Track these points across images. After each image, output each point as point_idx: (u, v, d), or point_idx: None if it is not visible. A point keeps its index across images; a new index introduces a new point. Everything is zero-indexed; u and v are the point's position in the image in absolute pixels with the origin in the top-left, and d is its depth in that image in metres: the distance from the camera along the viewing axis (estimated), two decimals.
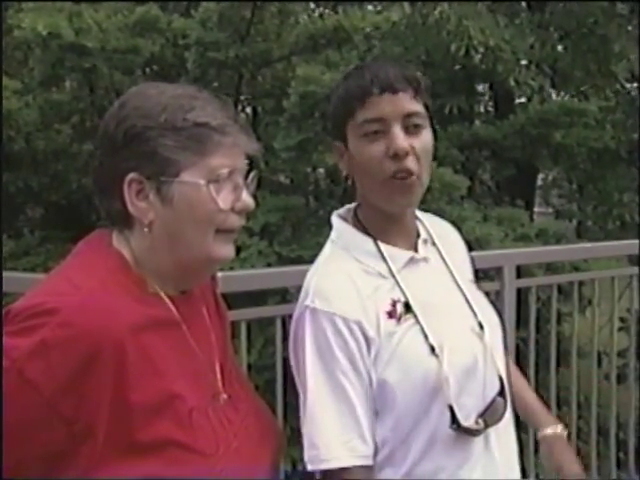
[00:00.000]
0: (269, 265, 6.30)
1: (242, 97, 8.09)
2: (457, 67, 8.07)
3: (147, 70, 7.43)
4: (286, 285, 3.71)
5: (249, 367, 6.29)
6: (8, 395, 0.82)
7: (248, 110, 9.25)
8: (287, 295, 6.05)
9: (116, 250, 0.96)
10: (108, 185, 0.94)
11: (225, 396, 1.01)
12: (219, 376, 1.02)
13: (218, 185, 0.95)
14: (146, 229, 0.94)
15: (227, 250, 0.98)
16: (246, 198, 1.00)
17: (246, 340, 1.87)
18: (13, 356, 0.82)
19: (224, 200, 0.95)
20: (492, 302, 1.40)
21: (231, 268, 6.19)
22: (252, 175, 1.01)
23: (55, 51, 5.38)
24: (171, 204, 0.93)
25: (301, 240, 6.59)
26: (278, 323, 1.96)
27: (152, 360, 0.90)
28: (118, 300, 0.89)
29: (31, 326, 0.83)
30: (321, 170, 7.17)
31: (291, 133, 6.23)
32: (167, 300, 0.96)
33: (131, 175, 0.93)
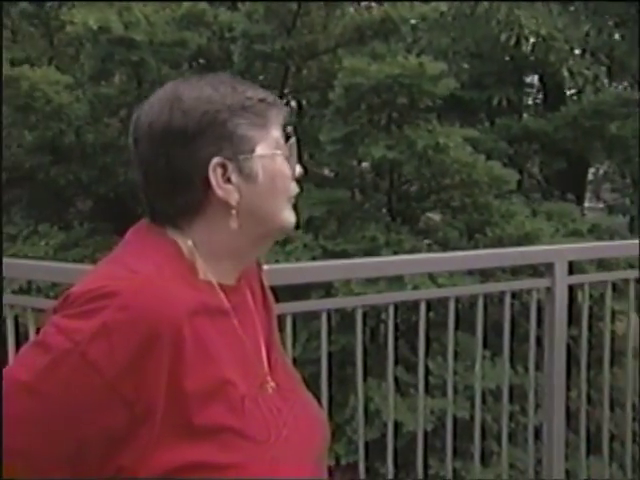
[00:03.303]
0: (314, 259, 6.28)
1: (287, 90, 8.06)
2: (506, 58, 7.89)
3: (193, 64, 7.47)
4: (331, 279, 3.74)
5: (293, 361, 6.25)
6: (71, 377, 0.83)
7: (293, 103, 9.23)
8: (332, 289, 6.05)
9: (169, 238, 0.97)
10: (183, 178, 0.94)
11: (273, 385, 1.02)
12: (266, 365, 1.03)
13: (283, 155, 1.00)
14: (234, 211, 0.95)
15: (293, 216, 1.02)
16: (298, 166, 1.04)
17: (292, 333, 1.86)
18: (76, 338, 0.83)
19: (290, 168, 1.00)
20: None
21: (276, 261, 6.22)
22: (291, 142, 1.02)
23: (105, 45, 5.46)
24: (256, 180, 0.96)
25: (346, 234, 6.54)
26: (323, 317, 1.94)
27: (206, 345, 0.91)
28: (174, 284, 0.90)
29: (91, 309, 0.84)
30: (367, 163, 7.11)
31: (337, 126, 6.19)
32: (217, 288, 0.97)
33: (215, 160, 0.94)
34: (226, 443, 0.90)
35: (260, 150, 0.96)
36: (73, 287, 0.88)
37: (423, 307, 2.07)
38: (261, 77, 7.48)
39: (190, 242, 0.96)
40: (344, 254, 6.26)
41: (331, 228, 6.38)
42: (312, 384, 1.83)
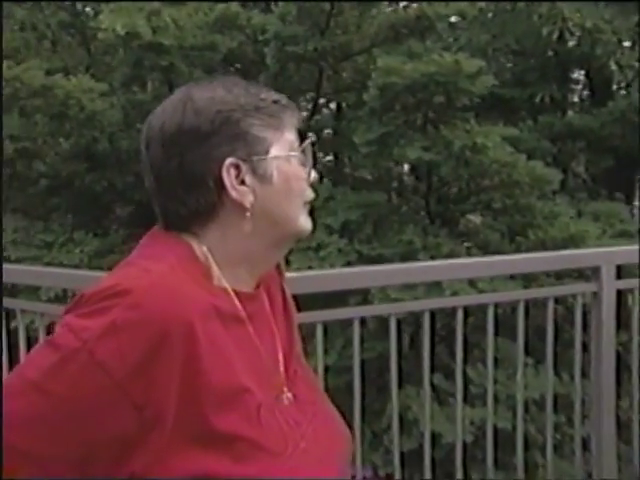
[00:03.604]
0: (349, 264, 6.16)
1: (322, 92, 7.95)
2: (549, 53, 7.61)
3: (229, 68, 7.42)
4: (367, 286, 3.60)
5: (327, 368, 6.13)
6: (78, 376, 0.82)
7: (332, 105, 9.10)
8: (368, 295, 5.91)
9: (185, 241, 0.96)
10: (196, 179, 0.94)
11: (290, 396, 1.00)
12: (283, 376, 1.01)
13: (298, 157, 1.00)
14: (248, 213, 0.94)
15: (309, 222, 1.01)
16: (313, 170, 1.03)
17: (322, 342, 1.84)
18: (84, 337, 0.82)
19: (305, 172, 1.00)
20: None
21: (310, 267, 6.13)
22: (305, 144, 1.01)
23: (136, 51, 5.43)
24: (270, 181, 0.95)
25: (382, 238, 6.40)
26: (356, 325, 1.90)
27: (220, 349, 0.89)
28: (188, 285, 0.89)
29: (102, 308, 0.84)
30: (405, 165, 6.95)
31: (372, 127, 6.04)
32: (233, 295, 0.95)
33: (229, 160, 0.93)
34: (241, 453, 0.87)
35: (274, 151, 0.96)
36: (87, 288, 0.88)
37: (460, 314, 2.00)
38: (295, 79, 7.39)
39: (205, 247, 0.95)
40: (380, 259, 6.11)
41: (367, 232, 6.25)
42: (347, 392, 1.85)
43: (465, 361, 2.09)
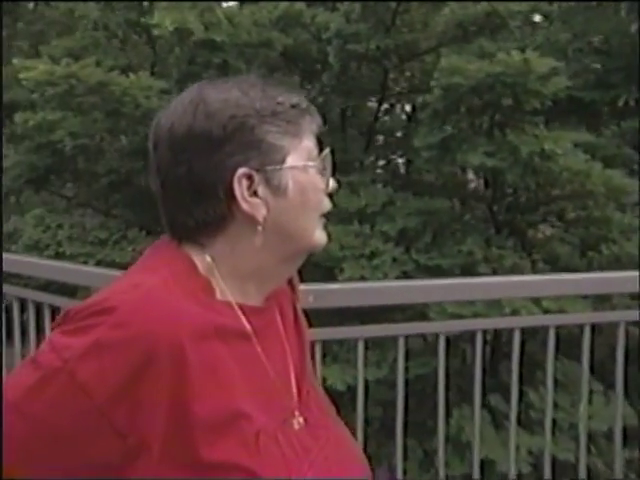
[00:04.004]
0: (404, 274, 5.87)
1: (388, 93, 7.68)
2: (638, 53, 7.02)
3: (290, 65, 7.28)
4: (421, 301, 3.28)
5: (378, 381, 5.81)
6: (58, 398, 0.79)
7: (408, 107, 8.77)
8: (427, 310, 5.58)
9: (184, 253, 0.90)
10: (205, 188, 0.88)
11: (301, 420, 0.94)
12: (295, 397, 0.95)
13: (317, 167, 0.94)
14: (260, 227, 0.89)
15: (324, 236, 0.96)
16: (332, 179, 0.97)
17: (363, 358, 1.75)
18: (65, 356, 0.79)
19: (323, 182, 0.95)
20: None
21: (362, 277, 5.88)
22: (325, 153, 0.95)
23: (191, 48, 5.34)
24: (285, 193, 0.90)
25: (442, 247, 6.09)
26: (401, 343, 1.78)
27: (216, 371, 0.84)
28: (181, 302, 0.83)
29: (87, 325, 0.80)
30: (469, 170, 6.59)
31: (433, 130, 5.73)
32: (237, 309, 0.90)
33: (241, 170, 0.87)
34: None
35: (291, 161, 0.90)
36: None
37: (517, 335, 1.87)
38: (360, 79, 7.16)
39: (209, 258, 0.90)
40: (438, 270, 5.80)
41: (425, 241, 5.95)
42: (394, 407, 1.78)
43: (527, 382, 1.97)
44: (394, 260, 5.70)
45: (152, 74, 6.36)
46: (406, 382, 1.90)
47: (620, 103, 6.87)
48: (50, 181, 7.24)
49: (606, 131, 6.94)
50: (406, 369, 1.81)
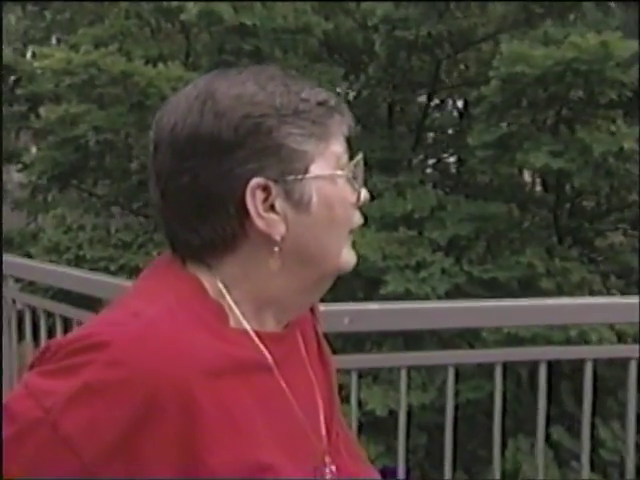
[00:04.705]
0: (456, 287, 5.30)
1: (439, 87, 7.08)
2: None
3: (333, 55, 6.77)
4: (472, 326, 2.92)
5: (423, 406, 5.24)
6: (38, 457, 0.70)
7: (459, 103, 8.16)
8: (482, 341, 4.97)
9: (190, 274, 0.80)
10: (213, 202, 0.77)
11: (333, 468, 0.85)
12: (325, 440, 0.85)
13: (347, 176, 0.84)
14: (276, 248, 0.78)
15: (353, 256, 0.86)
16: (364, 190, 0.86)
17: (406, 389, 1.67)
18: (46, 404, 0.69)
19: (354, 194, 0.84)
20: None
21: (407, 290, 5.32)
22: (356, 160, 0.83)
23: (221, 34, 4.86)
24: (307, 208, 0.79)
25: (498, 258, 5.50)
26: (450, 373, 1.64)
27: (232, 415, 0.74)
28: (189, 333, 0.73)
29: (72, 365, 0.70)
30: (525, 172, 5.97)
31: (490, 127, 5.13)
32: (255, 337, 0.79)
33: (255, 180, 0.76)
34: None
35: (316, 169, 0.80)
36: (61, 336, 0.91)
37: (590, 367, 1.72)
38: (409, 71, 6.60)
39: (220, 283, 0.80)
40: (493, 284, 5.21)
41: (478, 250, 5.36)
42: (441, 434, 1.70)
43: (595, 412, 1.81)
44: (443, 272, 5.14)
45: (185, 65, 5.90)
46: (456, 407, 1.78)
47: None
48: (78, 178, 6.91)
49: None
50: (455, 393, 1.69)
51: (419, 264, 5.03)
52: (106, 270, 5.46)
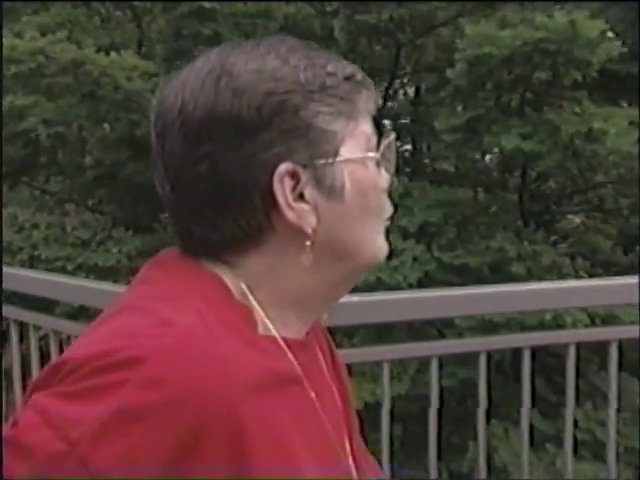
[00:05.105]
0: (426, 275, 5.24)
1: (399, 74, 7.02)
2: None
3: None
4: (447, 316, 2.92)
5: (398, 396, 5.16)
6: None
7: (410, 91, 8.16)
8: (455, 328, 4.93)
9: (212, 273, 0.70)
10: (235, 193, 0.68)
11: None
12: (349, 454, 0.79)
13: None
14: (308, 242, 0.70)
15: (386, 246, 0.75)
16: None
17: (389, 383, 1.58)
18: (72, 435, 0.57)
19: (386, 178, 0.75)
20: None
21: (378, 279, 5.24)
22: (389, 140, 0.73)
23: (177, 19, 4.65)
24: (341, 196, 0.70)
25: (468, 243, 5.46)
26: (434, 365, 1.62)
27: (276, 436, 0.67)
28: (227, 345, 0.65)
29: (101, 385, 0.59)
30: (491, 155, 5.95)
31: (456, 110, 5.06)
32: (284, 345, 0.72)
33: (284, 166, 0.66)
34: None
35: (346, 152, 0.69)
36: (71, 349, 0.66)
37: (573, 352, 1.68)
38: (369, 57, 6.51)
39: (244, 285, 0.71)
40: (465, 269, 5.16)
41: (448, 236, 5.30)
42: (422, 420, 1.68)
43: (562, 393, 1.73)
44: (414, 259, 5.06)
45: (138, 54, 5.66)
46: (419, 397, 1.84)
47: None
48: (29, 175, 6.60)
49: None
50: (428, 380, 1.62)
51: (391, 252, 4.95)
52: (63, 270, 5.21)
